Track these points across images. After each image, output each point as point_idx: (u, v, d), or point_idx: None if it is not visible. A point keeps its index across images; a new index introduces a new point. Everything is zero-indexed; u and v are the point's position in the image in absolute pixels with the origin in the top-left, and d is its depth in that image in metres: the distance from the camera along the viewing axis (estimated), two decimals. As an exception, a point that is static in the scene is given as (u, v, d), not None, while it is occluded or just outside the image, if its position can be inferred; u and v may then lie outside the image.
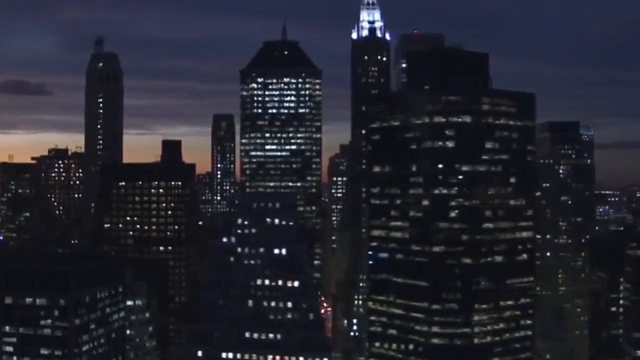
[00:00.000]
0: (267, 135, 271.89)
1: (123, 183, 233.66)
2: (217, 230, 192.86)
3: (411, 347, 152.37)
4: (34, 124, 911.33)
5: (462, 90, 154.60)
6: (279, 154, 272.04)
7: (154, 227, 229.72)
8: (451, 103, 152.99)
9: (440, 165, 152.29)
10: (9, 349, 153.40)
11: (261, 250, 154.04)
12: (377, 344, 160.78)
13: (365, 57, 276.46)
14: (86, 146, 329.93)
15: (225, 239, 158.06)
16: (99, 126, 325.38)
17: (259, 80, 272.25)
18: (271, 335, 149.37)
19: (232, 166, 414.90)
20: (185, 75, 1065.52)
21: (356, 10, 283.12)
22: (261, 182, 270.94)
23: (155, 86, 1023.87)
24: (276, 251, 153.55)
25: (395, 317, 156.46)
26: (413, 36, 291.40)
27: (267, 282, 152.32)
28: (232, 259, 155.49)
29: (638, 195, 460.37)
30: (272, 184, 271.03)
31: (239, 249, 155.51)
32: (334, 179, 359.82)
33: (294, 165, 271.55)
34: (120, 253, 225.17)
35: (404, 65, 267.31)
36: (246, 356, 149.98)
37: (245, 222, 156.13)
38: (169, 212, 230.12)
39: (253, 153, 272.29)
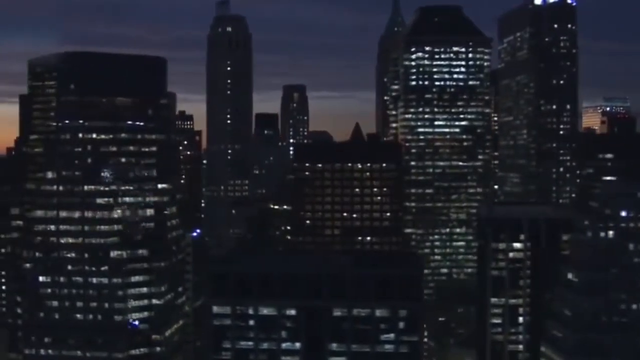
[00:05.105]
0: (436, 109, 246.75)
1: (320, 165, 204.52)
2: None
3: None
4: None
5: None
6: (448, 130, 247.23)
7: (365, 215, 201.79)
8: None
9: None
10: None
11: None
12: None
13: (555, 25, 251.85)
14: (209, 119, 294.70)
15: (602, 234, 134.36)
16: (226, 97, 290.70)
17: (426, 49, 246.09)
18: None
19: (305, 141, 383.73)
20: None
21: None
22: (429, 161, 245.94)
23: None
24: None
25: None
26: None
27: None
28: (612, 256, 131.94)
29: None
30: (441, 163, 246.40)
31: (621, 245, 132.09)
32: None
33: (465, 143, 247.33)
34: (324, 245, 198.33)
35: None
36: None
37: (630, 215, 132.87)
38: (379, 198, 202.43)
39: (421, 130, 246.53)
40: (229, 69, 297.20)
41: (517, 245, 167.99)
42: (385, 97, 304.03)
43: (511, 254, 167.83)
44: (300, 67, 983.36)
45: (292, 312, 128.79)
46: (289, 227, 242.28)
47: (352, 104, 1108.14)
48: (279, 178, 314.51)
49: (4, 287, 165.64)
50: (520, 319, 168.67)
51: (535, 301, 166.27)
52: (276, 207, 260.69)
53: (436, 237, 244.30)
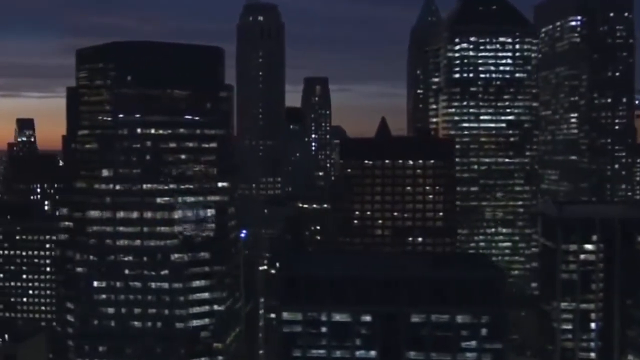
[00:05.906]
0: (481, 103, 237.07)
1: (369, 162, 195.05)
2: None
3: None
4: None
5: None
6: (494, 125, 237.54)
7: (417, 215, 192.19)
8: None
9: None
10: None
11: None
12: None
13: (611, 15, 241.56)
14: (239, 114, 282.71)
15: None
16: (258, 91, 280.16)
17: (471, 39, 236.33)
18: None
19: (327, 137, 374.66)
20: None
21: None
22: (474, 158, 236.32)
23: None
24: None
25: None
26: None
27: None
28: None
29: None
30: (486, 160, 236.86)
31: None
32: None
33: (511, 139, 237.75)
34: (373, 246, 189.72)
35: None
36: None
37: None
38: (431, 197, 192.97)
39: (465, 125, 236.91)
40: (260, 60, 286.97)
41: (588, 246, 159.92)
42: (419, 90, 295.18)
43: (582, 256, 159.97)
44: (304, 59, 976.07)
45: (367, 318, 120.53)
46: (318, 227, 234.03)
47: (350, 97, 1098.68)
48: (307, 175, 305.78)
49: (48, 292, 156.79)
50: (592, 325, 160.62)
51: (608, 306, 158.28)
52: (305, 205, 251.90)
53: (481, 237, 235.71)
